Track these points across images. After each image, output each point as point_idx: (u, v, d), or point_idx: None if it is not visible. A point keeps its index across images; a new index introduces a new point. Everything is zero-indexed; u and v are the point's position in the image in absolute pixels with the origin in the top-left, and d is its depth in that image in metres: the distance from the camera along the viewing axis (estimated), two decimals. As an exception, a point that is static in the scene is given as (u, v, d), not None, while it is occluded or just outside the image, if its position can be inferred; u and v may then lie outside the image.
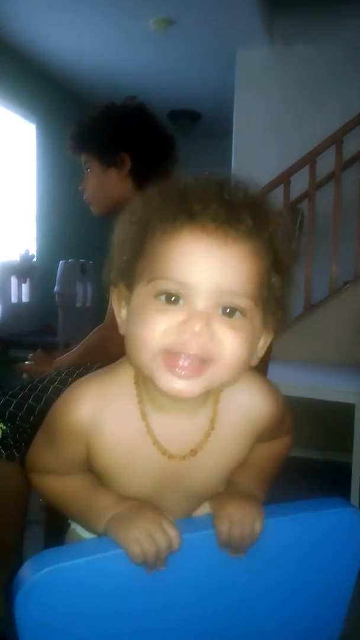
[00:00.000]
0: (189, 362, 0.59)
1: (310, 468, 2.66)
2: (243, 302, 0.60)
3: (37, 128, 4.42)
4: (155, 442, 0.68)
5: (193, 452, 0.70)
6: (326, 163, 3.04)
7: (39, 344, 3.14)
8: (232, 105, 4.06)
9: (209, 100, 4.86)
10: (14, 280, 3.89)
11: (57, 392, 1.31)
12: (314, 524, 0.69)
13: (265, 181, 2.79)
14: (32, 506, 1.39)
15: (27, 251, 4.03)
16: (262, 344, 0.67)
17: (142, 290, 0.62)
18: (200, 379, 0.60)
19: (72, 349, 1.58)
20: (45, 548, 1.51)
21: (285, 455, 0.84)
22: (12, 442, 1.28)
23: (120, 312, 0.68)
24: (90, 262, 3.80)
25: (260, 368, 0.70)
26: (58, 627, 0.61)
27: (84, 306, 3.76)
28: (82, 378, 0.72)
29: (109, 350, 1.23)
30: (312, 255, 2.95)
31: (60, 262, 3.61)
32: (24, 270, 3.95)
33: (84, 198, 1.61)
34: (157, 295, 0.60)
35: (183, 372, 0.60)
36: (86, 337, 1.51)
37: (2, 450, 1.27)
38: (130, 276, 0.65)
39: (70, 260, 3.65)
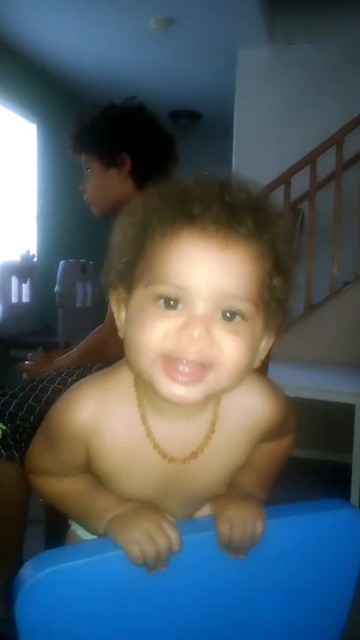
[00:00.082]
0: (189, 368, 0.59)
1: (311, 468, 2.66)
2: (244, 306, 0.60)
3: (38, 128, 4.42)
4: (156, 445, 0.68)
5: (194, 455, 0.69)
6: (327, 163, 3.04)
7: (39, 344, 3.14)
8: (233, 105, 4.06)
9: (210, 100, 4.86)
10: (14, 280, 3.89)
11: (58, 392, 1.31)
12: (315, 525, 0.69)
13: (265, 181, 2.79)
14: (32, 506, 1.39)
15: (28, 251, 4.03)
16: (264, 346, 0.67)
17: (141, 294, 0.61)
18: (200, 385, 0.60)
19: (72, 349, 1.58)
20: (46, 548, 1.51)
21: (288, 455, 0.83)
22: (12, 442, 1.28)
23: (120, 315, 0.67)
24: (91, 262, 3.80)
25: (260, 369, 0.69)
26: (58, 628, 0.61)
27: (84, 306, 3.76)
28: (82, 380, 0.72)
29: (109, 351, 1.24)
30: (313, 256, 2.95)
31: (61, 262, 3.61)
32: (24, 270, 3.95)
33: (84, 198, 1.61)
34: (156, 299, 0.59)
35: (183, 378, 0.59)
36: (86, 338, 1.51)
37: (2, 451, 1.27)
38: (129, 279, 0.64)
39: (70, 260, 3.65)
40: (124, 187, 1.53)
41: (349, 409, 2.33)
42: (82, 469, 0.73)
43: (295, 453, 0.83)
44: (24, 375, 1.59)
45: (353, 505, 0.72)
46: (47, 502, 1.51)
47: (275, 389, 0.74)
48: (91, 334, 1.50)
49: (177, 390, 0.59)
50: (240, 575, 0.67)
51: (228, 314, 0.59)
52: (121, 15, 3.50)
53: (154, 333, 0.59)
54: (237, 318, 0.60)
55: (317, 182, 3.10)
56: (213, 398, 0.68)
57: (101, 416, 0.67)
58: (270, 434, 0.74)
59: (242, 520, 0.65)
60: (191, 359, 0.58)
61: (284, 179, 3.00)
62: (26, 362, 1.60)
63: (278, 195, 2.92)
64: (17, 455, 1.27)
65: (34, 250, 4.27)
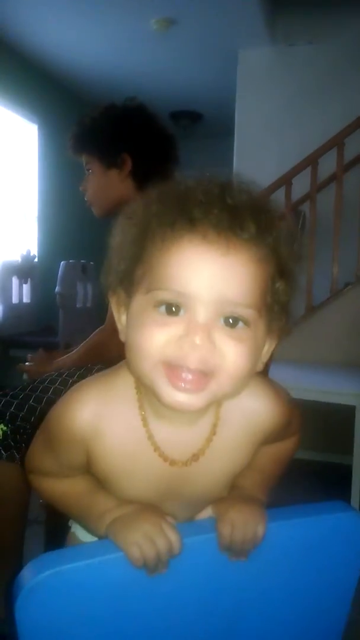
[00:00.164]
0: (192, 376, 0.58)
1: (311, 470, 2.66)
2: (246, 312, 0.59)
3: (39, 129, 4.42)
4: (157, 448, 0.67)
5: (195, 458, 0.68)
6: (328, 165, 3.04)
7: (39, 344, 3.13)
8: (234, 105, 4.06)
9: (211, 101, 4.85)
10: (15, 281, 3.89)
11: (58, 393, 1.31)
12: (315, 528, 0.69)
13: (266, 181, 2.79)
14: (32, 506, 1.39)
15: (29, 251, 4.03)
16: (267, 349, 0.66)
17: (142, 300, 0.60)
18: (203, 393, 0.59)
19: (72, 350, 1.58)
20: (46, 548, 1.52)
21: (291, 456, 0.82)
22: (12, 443, 1.28)
23: (120, 318, 0.66)
24: (91, 262, 3.80)
25: (262, 370, 0.69)
26: (59, 630, 0.61)
27: (84, 307, 3.76)
28: (82, 381, 0.71)
29: (109, 352, 1.24)
30: (314, 257, 2.95)
31: (62, 262, 3.60)
32: (25, 271, 3.95)
33: (85, 199, 1.61)
34: (157, 305, 0.58)
35: (186, 386, 0.58)
36: (87, 339, 1.51)
37: (3, 451, 1.27)
38: (128, 282, 0.63)
39: (71, 260, 3.65)
40: (124, 188, 1.53)
41: (349, 410, 2.33)
42: (82, 470, 0.72)
43: (295, 454, 0.83)
44: (24, 376, 1.59)
45: (354, 508, 0.72)
46: (47, 503, 1.52)
47: (278, 390, 0.73)
48: (92, 335, 1.50)
49: (179, 397, 0.58)
50: (241, 578, 0.67)
51: (230, 320, 0.58)
52: (122, 16, 3.50)
53: (155, 340, 0.58)
54: (240, 324, 0.59)
55: (318, 184, 3.10)
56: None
57: (102, 418, 0.67)
58: (273, 436, 0.74)
59: (244, 523, 0.64)
60: (193, 367, 0.57)
61: (285, 180, 3.00)
62: (26, 363, 1.60)
63: (279, 196, 2.92)
64: (17, 456, 1.27)
65: (34, 250, 4.27)
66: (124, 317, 0.65)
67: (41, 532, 1.60)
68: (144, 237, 0.60)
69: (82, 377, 0.72)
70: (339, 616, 0.74)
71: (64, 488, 0.74)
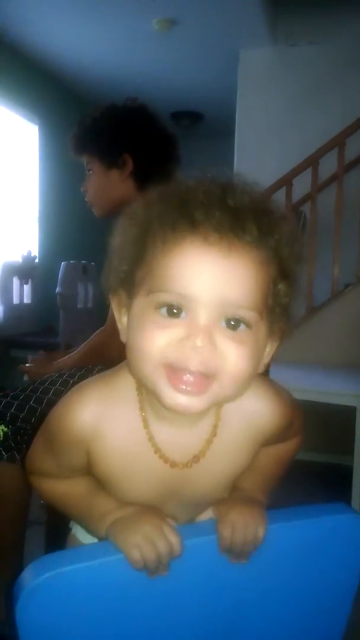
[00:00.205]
0: (193, 379, 0.57)
1: (312, 471, 2.66)
2: (248, 314, 0.58)
3: (40, 129, 4.42)
4: (157, 450, 0.67)
5: (195, 459, 0.68)
6: (328, 165, 3.04)
7: (40, 345, 3.13)
8: (235, 105, 4.06)
9: (212, 101, 4.85)
10: (15, 281, 3.89)
11: (59, 394, 1.31)
12: (316, 530, 0.69)
13: (267, 182, 2.79)
14: (33, 507, 1.39)
15: (29, 252, 4.03)
16: (268, 350, 0.65)
17: (143, 301, 0.60)
18: (204, 395, 0.59)
19: (73, 351, 1.57)
20: (47, 549, 1.52)
21: (293, 457, 0.82)
22: (13, 444, 1.28)
23: (121, 319, 0.66)
24: (92, 263, 3.80)
25: (262, 371, 0.69)
26: (59, 632, 0.60)
27: (85, 307, 3.76)
28: (83, 382, 0.71)
29: (110, 353, 1.24)
30: (314, 258, 2.95)
31: (62, 263, 3.61)
32: (25, 271, 3.95)
33: (86, 199, 1.61)
34: (158, 307, 0.58)
35: (187, 388, 0.58)
36: (88, 339, 1.51)
37: (3, 452, 1.27)
38: (129, 283, 0.63)
39: (72, 261, 3.65)
40: (125, 188, 1.53)
41: (350, 411, 2.33)
42: (83, 471, 0.72)
43: (296, 455, 0.83)
44: (25, 377, 1.59)
45: (354, 510, 0.71)
46: (48, 504, 1.52)
47: (280, 391, 0.73)
48: (92, 335, 1.50)
49: (180, 399, 0.58)
50: (241, 580, 0.67)
51: (232, 322, 0.58)
52: (123, 16, 3.50)
53: (156, 342, 0.58)
54: (241, 326, 0.59)
55: (319, 184, 3.10)
56: None
57: (102, 419, 0.67)
58: (274, 438, 0.74)
59: (244, 525, 0.64)
60: (194, 370, 0.57)
61: (286, 181, 3.00)
62: (27, 364, 1.60)
63: (279, 196, 2.92)
64: (18, 457, 1.27)
65: (35, 251, 4.27)
66: (124, 318, 0.65)
67: (42, 533, 1.60)
68: (144, 239, 0.60)
69: (83, 378, 0.72)
70: (339, 618, 0.74)
71: (64, 489, 0.74)
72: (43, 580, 0.57)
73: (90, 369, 1.41)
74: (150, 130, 1.55)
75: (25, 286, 4.00)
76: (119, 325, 0.67)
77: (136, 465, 0.68)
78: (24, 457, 1.28)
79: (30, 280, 4.01)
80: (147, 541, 0.60)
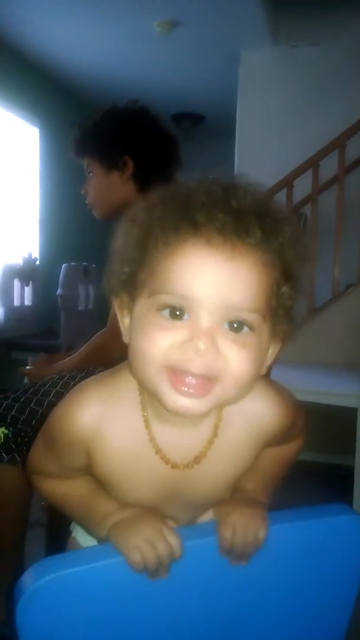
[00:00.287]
0: (195, 381, 0.57)
1: (313, 471, 2.65)
2: (251, 316, 0.58)
3: (41, 131, 4.43)
4: (158, 451, 0.67)
5: (197, 460, 0.68)
6: (329, 166, 3.04)
7: (41, 347, 3.13)
8: (236, 106, 4.06)
9: (213, 102, 4.86)
10: (16, 283, 3.89)
11: (60, 396, 1.30)
12: (317, 531, 0.69)
13: (268, 183, 2.78)
14: (33, 509, 1.39)
15: (30, 254, 4.04)
16: (271, 352, 0.65)
17: (145, 303, 0.60)
18: (207, 398, 0.58)
19: (74, 353, 1.57)
20: (47, 550, 1.52)
21: (295, 458, 0.81)
22: (13, 446, 1.28)
23: (123, 321, 0.66)
24: (93, 265, 3.80)
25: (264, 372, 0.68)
26: (59, 634, 0.60)
27: (86, 309, 3.76)
28: (84, 382, 0.71)
29: (111, 354, 1.24)
30: (316, 259, 2.94)
31: (63, 265, 3.61)
32: (26, 273, 3.95)
33: (86, 201, 1.61)
34: (160, 309, 0.58)
35: (189, 391, 0.57)
36: (88, 342, 1.51)
37: (4, 454, 1.27)
38: (131, 285, 0.62)
39: (72, 263, 3.65)
40: (126, 190, 1.53)
41: (351, 412, 2.32)
42: (84, 472, 0.72)
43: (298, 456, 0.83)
44: (25, 380, 1.59)
45: (355, 511, 0.71)
46: (48, 505, 1.52)
47: (282, 392, 0.72)
48: (93, 338, 1.50)
49: (182, 402, 0.58)
50: (242, 581, 0.67)
51: (235, 325, 0.58)
52: (124, 18, 3.50)
53: (158, 344, 0.57)
54: (244, 329, 0.58)
55: (320, 186, 3.10)
56: None
57: (103, 420, 0.66)
58: (276, 439, 0.73)
59: (245, 526, 0.64)
60: (197, 372, 0.57)
61: (287, 182, 3.00)
62: (27, 367, 1.60)
63: (280, 198, 2.92)
64: (18, 459, 1.27)
65: (36, 253, 4.28)
66: (127, 320, 0.65)
67: (42, 535, 1.60)
68: (146, 241, 0.60)
69: (83, 380, 0.72)
70: (340, 620, 0.74)
71: (65, 490, 0.74)
72: (43, 583, 0.57)
73: (91, 371, 1.41)
74: (151, 132, 1.55)
75: (26, 288, 4.00)
76: (122, 327, 0.66)
77: (137, 466, 0.68)
78: (25, 459, 1.28)
79: (31, 282, 4.01)
80: (147, 543, 0.60)
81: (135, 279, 0.61)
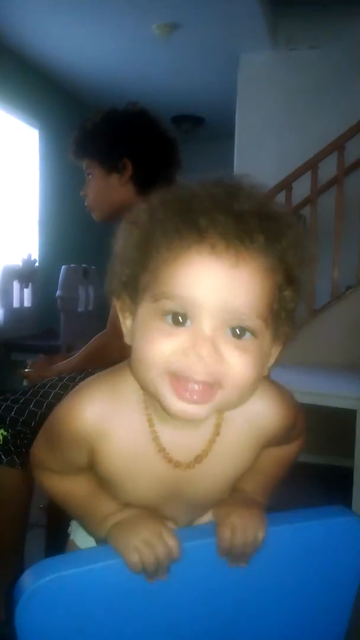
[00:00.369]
0: (197, 387, 0.57)
1: (313, 473, 2.65)
2: (253, 322, 0.58)
3: (40, 133, 4.43)
4: (161, 450, 0.67)
5: (198, 460, 0.68)
6: (328, 168, 3.04)
7: (41, 348, 3.13)
8: (235, 109, 4.07)
9: (212, 105, 4.87)
10: (16, 285, 3.89)
11: (59, 398, 1.30)
12: (316, 533, 0.69)
13: (267, 185, 2.79)
14: (33, 509, 1.40)
15: (30, 256, 4.04)
16: (272, 354, 0.65)
17: (148, 308, 0.59)
18: (209, 404, 0.58)
19: (73, 354, 1.57)
20: (47, 551, 1.52)
21: (294, 459, 0.82)
22: (12, 448, 1.28)
23: (125, 322, 0.66)
24: (93, 266, 3.80)
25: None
26: (58, 635, 0.60)
27: (86, 310, 3.76)
28: (87, 380, 0.70)
29: (111, 355, 1.23)
30: (316, 260, 2.94)
31: (63, 266, 3.61)
32: (26, 275, 3.95)
33: (86, 204, 1.61)
34: (163, 314, 0.58)
35: (191, 396, 0.57)
36: (88, 343, 1.51)
37: (3, 456, 1.27)
38: (133, 288, 0.62)
39: (72, 264, 3.65)
40: (125, 192, 1.53)
41: (351, 413, 2.32)
42: (85, 469, 0.72)
43: (297, 457, 0.83)
44: (24, 383, 1.59)
45: (354, 513, 0.71)
46: (47, 507, 1.52)
47: (283, 393, 0.72)
48: (92, 339, 1.50)
49: (185, 408, 0.58)
50: (241, 583, 0.67)
51: (237, 331, 0.58)
52: (124, 21, 3.51)
53: (161, 350, 0.57)
54: (247, 334, 0.58)
55: (319, 187, 3.10)
56: None
57: (107, 418, 0.66)
58: (277, 439, 0.73)
59: (244, 527, 0.64)
60: (199, 379, 0.57)
61: (286, 184, 3.00)
62: (26, 369, 1.60)
63: (279, 200, 2.92)
64: (18, 461, 1.27)
65: (35, 254, 4.27)
66: (128, 322, 0.65)
67: (42, 536, 1.61)
68: (148, 245, 0.59)
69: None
70: (339, 622, 0.74)
71: (66, 487, 0.74)
72: (43, 584, 0.57)
73: (90, 372, 1.41)
74: (151, 134, 1.55)
75: (25, 290, 4.00)
76: (123, 328, 0.66)
77: (139, 464, 0.68)
78: (24, 461, 1.29)
79: (30, 283, 4.01)
80: (145, 545, 0.60)
81: (137, 281, 0.61)
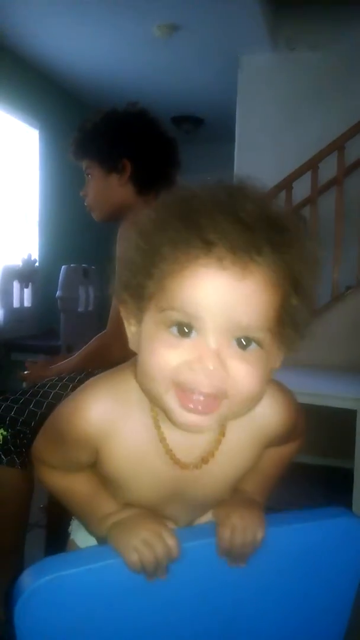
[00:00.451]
0: (203, 399, 0.57)
1: (313, 474, 2.65)
2: (260, 334, 0.58)
3: (40, 133, 4.43)
4: (168, 451, 0.67)
5: (204, 460, 0.68)
6: (328, 169, 3.04)
7: (41, 348, 3.13)
8: (235, 109, 4.07)
9: (212, 105, 4.87)
10: (16, 285, 3.90)
11: (59, 398, 1.31)
12: (316, 533, 0.69)
13: (267, 186, 2.79)
14: (33, 510, 1.40)
15: (30, 256, 4.04)
16: (277, 359, 0.65)
17: (154, 317, 0.59)
18: (214, 414, 0.58)
19: (73, 354, 1.58)
20: (46, 551, 1.52)
21: (292, 459, 0.82)
22: (12, 448, 1.28)
23: (130, 328, 0.65)
24: (93, 266, 3.81)
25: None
26: (58, 635, 0.60)
27: (86, 310, 3.76)
28: (92, 379, 0.70)
29: (112, 355, 1.24)
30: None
31: (63, 267, 3.61)
32: (26, 275, 3.96)
33: (85, 204, 1.61)
34: (169, 325, 0.57)
35: (197, 408, 0.57)
36: (88, 343, 1.51)
37: (3, 456, 1.27)
38: (138, 296, 0.61)
39: (72, 264, 3.65)
40: (124, 193, 1.53)
41: (351, 414, 2.32)
42: (87, 467, 0.72)
43: (297, 458, 0.83)
44: (24, 384, 1.59)
45: (354, 514, 0.71)
46: (47, 507, 1.52)
47: (285, 393, 0.72)
48: (93, 339, 1.50)
49: (191, 419, 0.58)
50: (241, 583, 0.67)
51: (243, 342, 0.57)
52: (124, 22, 3.51)
53: (166, 362, 0.57)
54: (252, 345, 0.58)
55: (319, 188, 3.10)
56: None
57: (113, 419, 0.66)
58: (278, 440, 0.74)
59: (244, 527, 0.65)
60: (205, 391, 0.57)
61: (286, 184, 3.01)
62: (25, 372, 1.60)
63: (279, 200, 2.92)
64: (17, 461, 1.27)
65: (35, 254, 4.28)
66: (133, 328, 0.64)
67: (42, 536, 1.61)
68: (154, 255, 0.58)
69: (83, 382, 0.71)
70: (339, 622, 0.74)
71: (67, 484, 0.74)
72: (42, 583, 0.57)
73: (90, 372, 1.41)
74: (150, 135, 1.55)
75: (25, 290, 4.00)
76: (128, 334, 0.66)
77: (145, 465, 0.68)
78: (24, 461, 1.29)
79: (30, 283, 4.01)
80: (145, 544, 0.60)
81: (143, 290, 0.60)
